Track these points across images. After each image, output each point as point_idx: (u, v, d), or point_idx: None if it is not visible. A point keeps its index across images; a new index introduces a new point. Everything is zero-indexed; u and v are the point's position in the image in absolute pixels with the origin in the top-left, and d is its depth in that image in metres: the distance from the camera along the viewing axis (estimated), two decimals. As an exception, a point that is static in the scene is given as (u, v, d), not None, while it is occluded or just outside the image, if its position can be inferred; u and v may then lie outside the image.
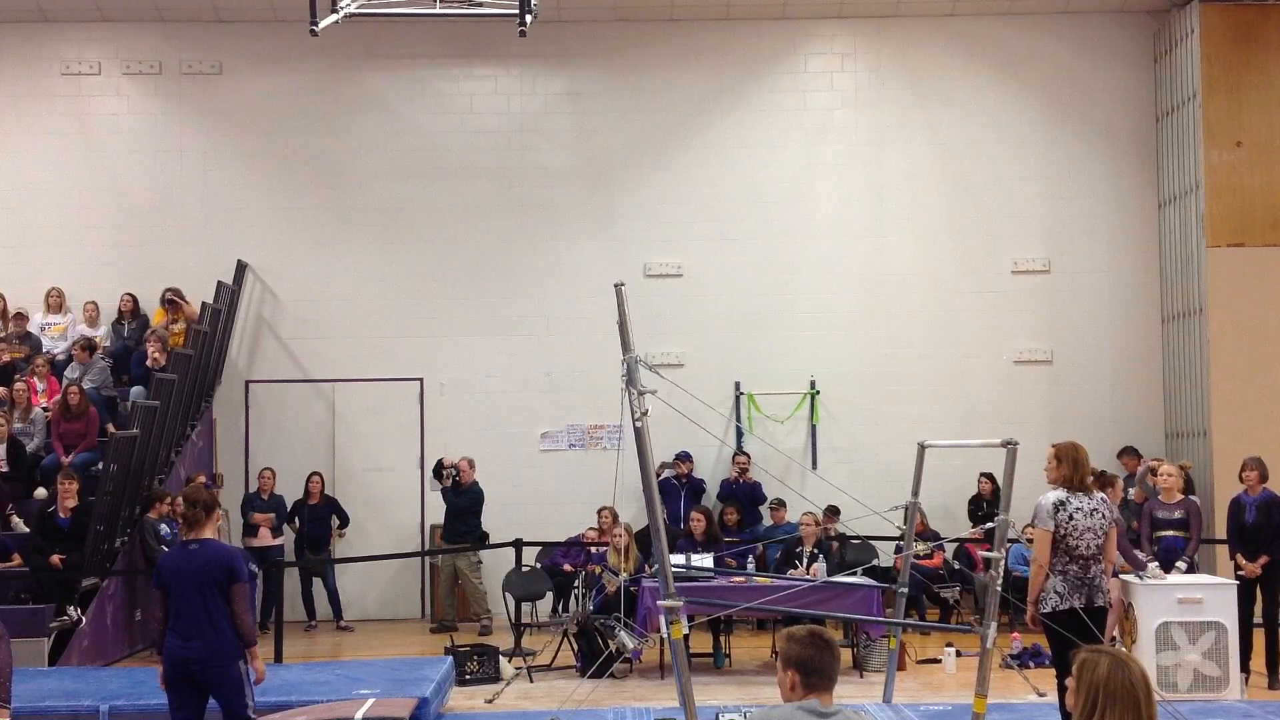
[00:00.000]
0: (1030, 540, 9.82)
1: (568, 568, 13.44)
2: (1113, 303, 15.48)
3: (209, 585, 6.72)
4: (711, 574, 11.23)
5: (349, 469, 15.21)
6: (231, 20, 15.48)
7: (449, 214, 15.48)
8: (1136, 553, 10.23)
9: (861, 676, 10.87)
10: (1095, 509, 7.78)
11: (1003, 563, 8.08)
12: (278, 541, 14.36)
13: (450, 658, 10.50)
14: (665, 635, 7.27)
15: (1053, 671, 8.44)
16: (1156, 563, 10.06)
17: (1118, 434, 14.87)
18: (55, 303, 14.97)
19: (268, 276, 15.49)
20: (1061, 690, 7.69)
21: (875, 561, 12.81)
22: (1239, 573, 10.43)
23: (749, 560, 12.01)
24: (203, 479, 13.83)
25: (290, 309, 15.46)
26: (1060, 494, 7.79)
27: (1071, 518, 7.71)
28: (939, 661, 11.39)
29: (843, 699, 4.22)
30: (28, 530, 12.15)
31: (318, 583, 14.44)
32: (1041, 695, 9.66)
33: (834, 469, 14.32)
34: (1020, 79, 15.59)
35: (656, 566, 7.32)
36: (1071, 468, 7.80)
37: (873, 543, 12.87)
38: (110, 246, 15.30)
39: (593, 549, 13.52)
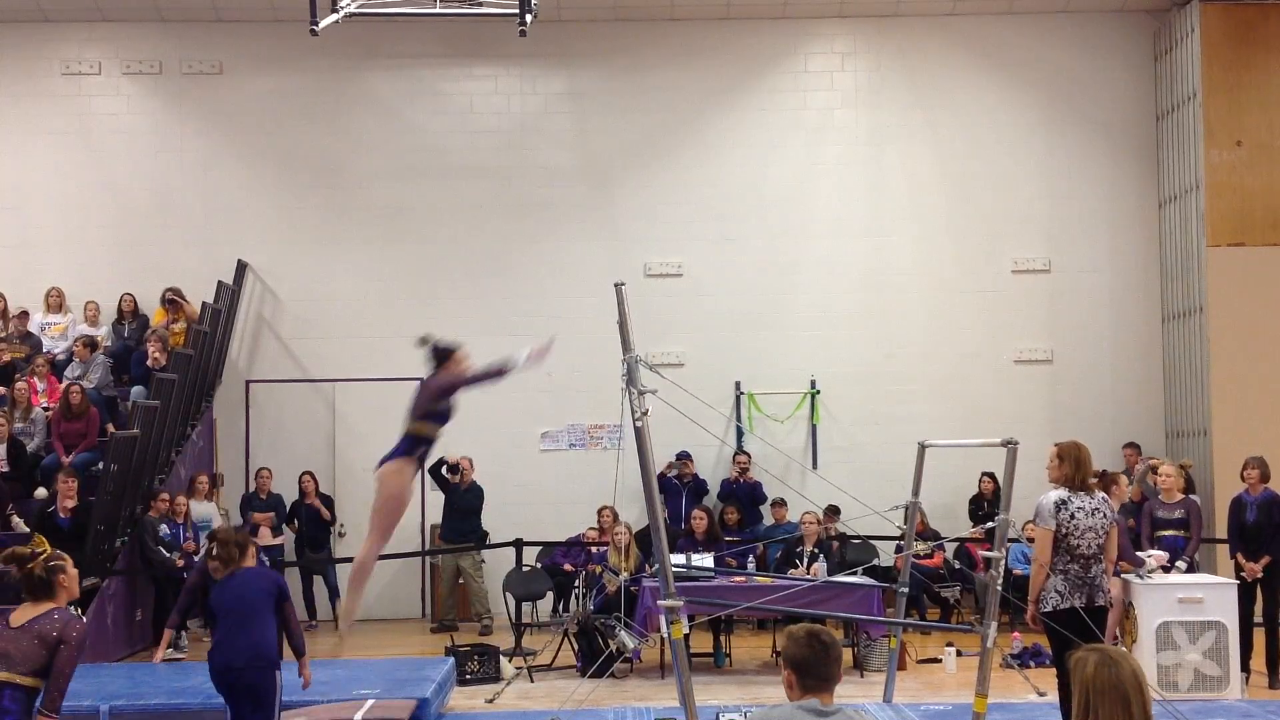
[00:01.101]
0: (1031, 539, 9.83)
1: (568, 567, 13.43)
2: (1113, 302, 15.48)
3: (257, 604, 7.09)
4: (712, 574, 11.23)
5: (349, 469, 15.17)
6: (231, 20, 15.48)
7: (449, 214, 15.47)
8: (1139, 553, 10.22)
9: (862, 676, 10.88)
10: (1096, 508, 7.78)
11: (1003, 562, 8.08)
12: (278, 541, 14.35)
13: (451, 658, 10.50)
14: (665, 635, 7.27)
15: (1053, 671, 8.43)
16: (1165, 553, 10.04)
17: (1118, 433, 14.86)
18: (55, 302, 14.96)
19: (268, 276, 15.48)
20: (1063, 690, 7.70)
21: (875, 561, 12.80)
22: (1240, 572, 10.42)
23: (749, 560, 12.01)
24: (205, 478, 13.86)
25: (290, 309, 15.45)
26: (1062, 493, 7.79)
27: (1073, 517, 7.71)
28: (939, 661, 11.39)
29: (843, 699, 4.22)
30: (28, 530, 12.13)
31: (318, 581, 14.46)
32: (1042, 695, 9.65)
33: (834, 469, 14.29)
34: (1020, 79, 15.58)
35: (657, 566, 7.32)
36: (1073, 467, 7.81)
37: (873, 542, 12.86)
38: (110, 246, 15.29)
39: (593, 549, 13.52)
